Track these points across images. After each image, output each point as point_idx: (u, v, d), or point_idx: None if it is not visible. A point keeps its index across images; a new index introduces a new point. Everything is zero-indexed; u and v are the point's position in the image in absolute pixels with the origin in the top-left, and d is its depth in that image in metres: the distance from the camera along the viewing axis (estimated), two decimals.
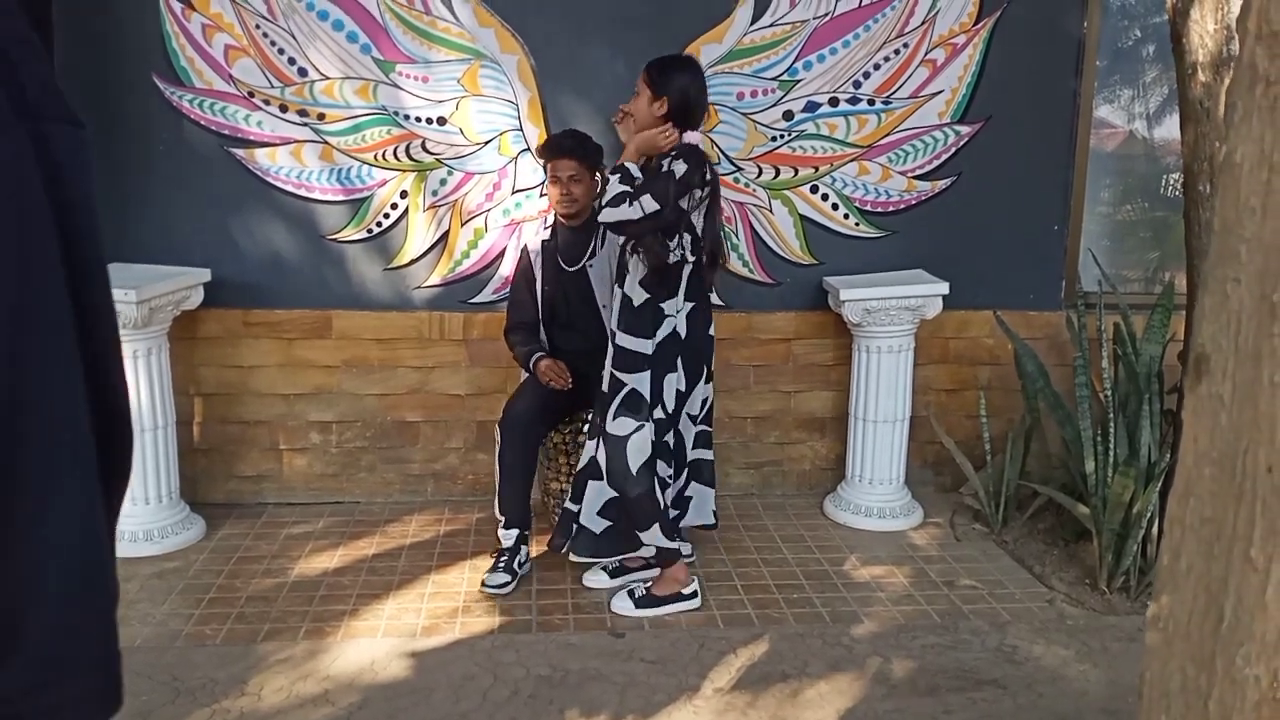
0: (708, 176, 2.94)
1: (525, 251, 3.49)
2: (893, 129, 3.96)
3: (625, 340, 2.99)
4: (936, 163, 4.01)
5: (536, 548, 3.39)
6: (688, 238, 2.94)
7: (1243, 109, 0.69)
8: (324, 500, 3.87)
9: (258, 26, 3.66)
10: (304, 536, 3.57)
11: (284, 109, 3.71)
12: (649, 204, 2.84)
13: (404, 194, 3.79)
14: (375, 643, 2.86)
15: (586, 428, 3.28)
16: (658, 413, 3.01)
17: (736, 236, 3.95)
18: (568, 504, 3.15)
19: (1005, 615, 3.07)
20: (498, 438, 3.31)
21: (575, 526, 3.10)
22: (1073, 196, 4.07)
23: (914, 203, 4.02)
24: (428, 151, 3.77)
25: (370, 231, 3.80)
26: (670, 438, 3.08)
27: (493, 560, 3.27)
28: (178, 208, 3.67)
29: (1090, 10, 3.97)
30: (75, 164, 0.83)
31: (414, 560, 3.40)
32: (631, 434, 2.98)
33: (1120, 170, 4.40)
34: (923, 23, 3.92)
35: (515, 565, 3.23)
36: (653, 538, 3.04)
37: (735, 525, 3.73)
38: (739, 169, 3.92)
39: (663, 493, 3.08)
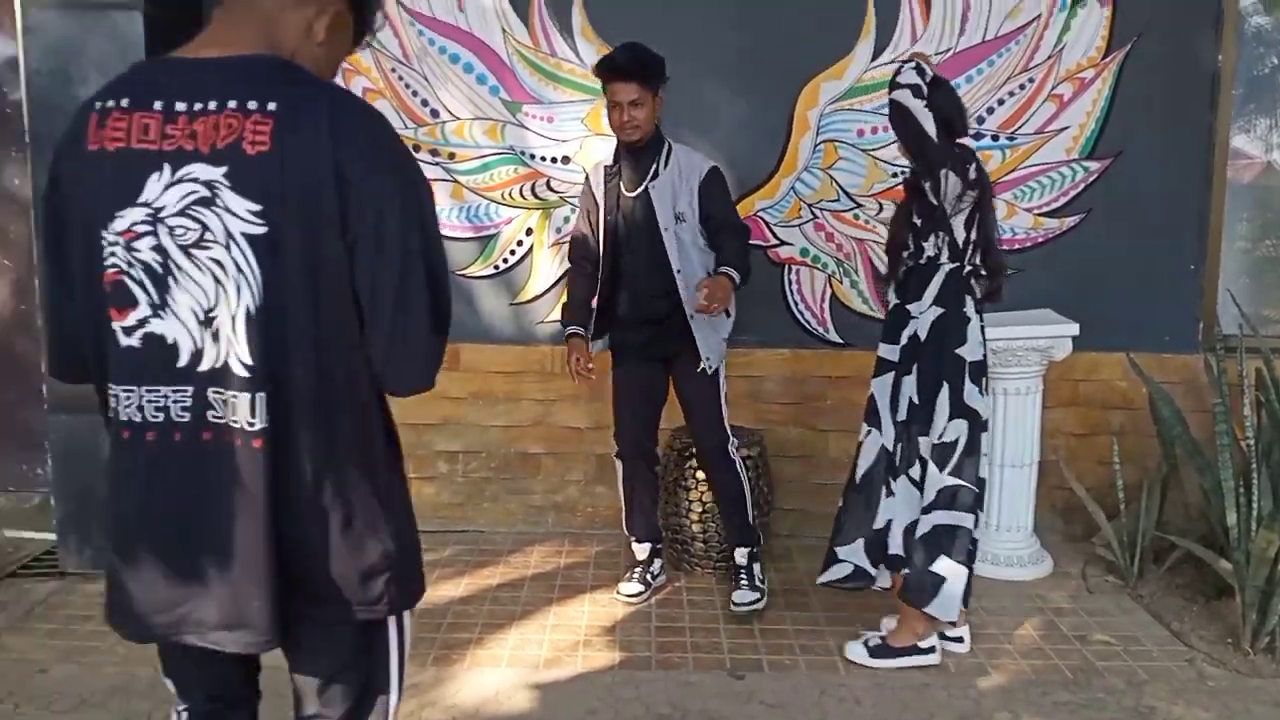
0: (972, 177, 2.79)
1: (586, 180, 3.34)
2: (1018, 165, 3.90)
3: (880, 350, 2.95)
4: (1064, 199, 3.92)
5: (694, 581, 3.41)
6: (944, 238, 2.82)
7: None
8: (450, 529, 3.99)
9: (393, 70, 3.83)
10: (431, 564, 3.67)
11: (416, 149, 3.85)
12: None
13: (529, 231, 3.90)
14: (499, 672, 2.92)
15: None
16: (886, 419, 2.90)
17: (856, 273, 3.93)
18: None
19: (1142, 674, 2.96)
20: (618, 468, 3.40)
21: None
22: (1209, 233, 3.93)
23: (1041, 240, 3.94)
24: (552, 190, 3.87)
25: (497, 268, 3.91)
26: (899, 454, 2.88)
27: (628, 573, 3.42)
28: None
29: (1225, 40, 3.85)
30: (432, 201, 1.40)
31: (536, 591, 3.47)
32: (862, 440, 2.96)
33: (1259, 203, 4.24)
34: (1049, 57, 3.85)
35: (648, 576, 3.34)
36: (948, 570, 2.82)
37: None
38: (859, 205, 3.91)
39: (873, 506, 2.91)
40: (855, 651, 3.00)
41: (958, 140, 2.84)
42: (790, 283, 3.96)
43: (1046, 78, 3.87)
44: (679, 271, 3.15)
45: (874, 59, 3.84)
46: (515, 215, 3.88)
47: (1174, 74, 3.85)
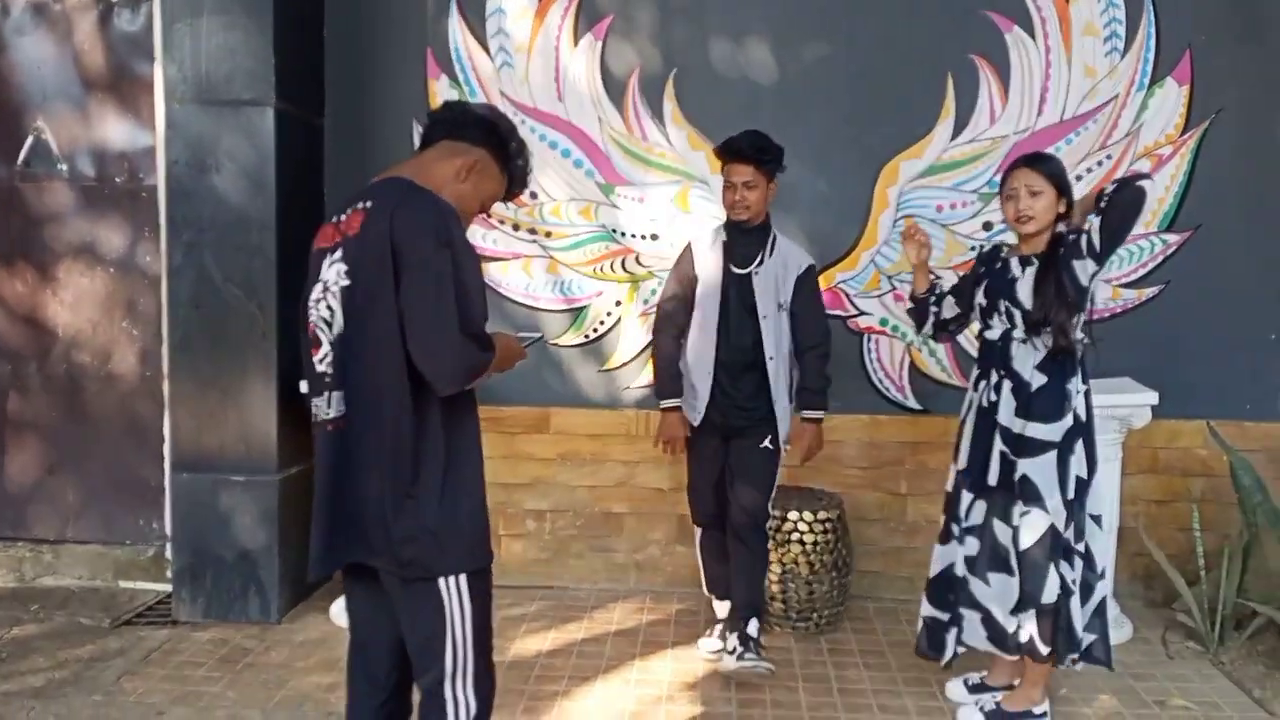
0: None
1: (689, 249, 3.40)
2: None
3: (1029, 429, 2.85)
4: (1143, 271, 3.99)
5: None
6: (1081, 317, 2.85)
7: None
8: (537, 584, 4.17)
9: None
10: (519, 618, 3.85)
11: (516, 228, 4.13)
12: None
13: (618, 303, 4.12)
14: None
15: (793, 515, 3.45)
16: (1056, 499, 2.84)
17: (936, 340, 4.04)
18: (934, 612, 3.07)
19: None
20: (696, 533, 3.55)
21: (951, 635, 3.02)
22: None
23: (1120, 311, 4.00)
24: (640, 264, 4.10)
25: (587, 337, 4.14)
26: (1070, 532, 2.87)
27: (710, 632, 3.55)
28: None
29: None
30: (478, 271, 1.96)
31: (619, 647, 3.61)
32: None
33: None
34: (1126, 135, 3.96)
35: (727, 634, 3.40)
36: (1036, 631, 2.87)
37: None
38: (939, 278, 4.01)
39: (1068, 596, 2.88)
40: (969, 717, 3.02)
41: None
42: (869, 351, 4.10)
43: (1125, 154, 3.97)
44: (771, 359, 3.27)
45: (953, 138, 4.00)
46: (606, 288, 4.12)
47: (1253, 148, 3.92)
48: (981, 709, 3.02)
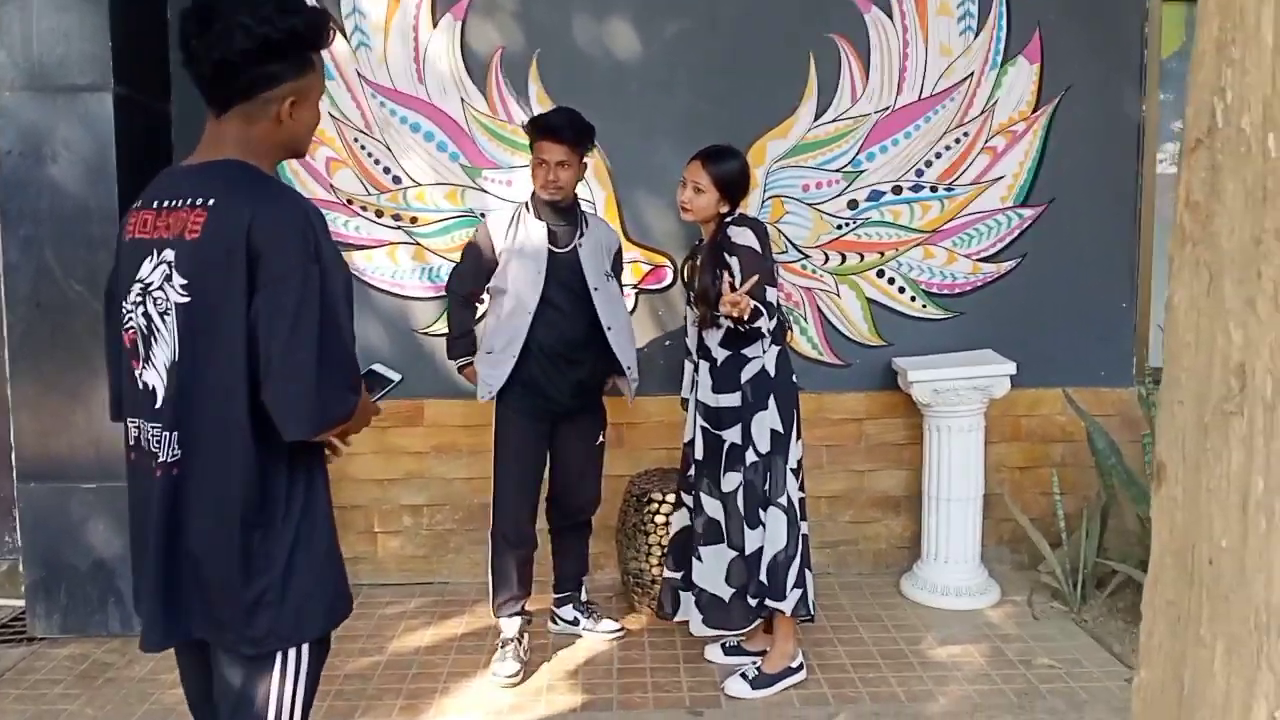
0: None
1: (485, 231, 3.30)
2: (956, 214, 4.09)
3: (717, 399, 3.11)
4: (1001, 245, 4.11)
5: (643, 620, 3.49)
6: (774, 291, 3.03)
7: (1178, 262, 0.82)
8: (415, 581, 4.07)
9: (356, 139, 3.99)
10: (397, 616, 3.76)
11: (379, 214, 4.01)
12: (770, 292, 2.99)
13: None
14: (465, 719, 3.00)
15: (671, 498, 3.45)
16: (750, 455, 3.07)
17: (805, 320, 4.09)
18: (667, 573, 3.29)
19: (1083, 695, 3.07)
20: (489, 545, 3.39)
21: (696, 595, 3.15)
22: (1139, 273, 4.13)
23: (980, 284, 4.12)
24: None
25: None
26: (768, 485, 3.07)
27: (499, 650, 3.34)
28: None
29: (1149, 89, 4.07)
30: (347, 290, 1.66)
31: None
32: (735, 489, 3.09)
33: None
34: (982, 112, 4.07)
35: (522, 653, 3.33)
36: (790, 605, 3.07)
37: None
38: (806, 256, 4.08)
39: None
40: (736, 687, 3.12)
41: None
42: None
43: (980, 131, 4.08)
44: (610, 328, 3.25)
45: (817, 118, 4.04)
46: None
47: (1101, 124, 4.07)
48: (745, 676, 3.14)
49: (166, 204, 1.61)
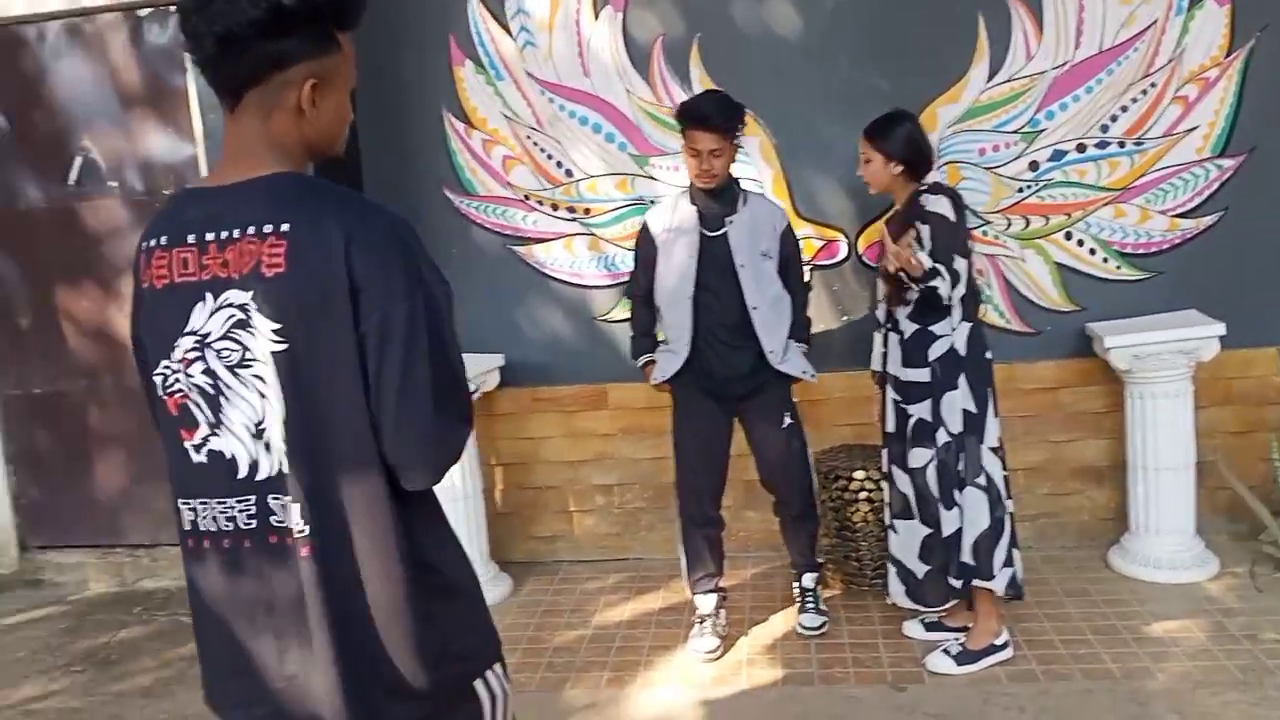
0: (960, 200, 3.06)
1: (646, 231, 3.40)
2: (1148, 169, 3.89)
3: (906, 373, 3.09)
4: (1200, 199, 3.88)
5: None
6: (964, 262, 2.99)
7: None
8: (610, 557, 4.21)
9: (528, 136, 4.12)
10: (597, 591, 3.90)
11: (555, 207, 4.13)
12: (960, 261, 2.97)
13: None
14: (670, 691, 3.09)
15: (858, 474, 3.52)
16: (941, 435, 3.04)
17: (990, 288, 3.98)
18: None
19: None
20: (678, 525, 3.52)
21: (895, 567, 3.19)
22: None
23: (1179, 242, 3.90)
24: None
25: None
26: (963, 465, 3.03)
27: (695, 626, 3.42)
28: (472, 302, 4.13)
29: None
30: (449, 306, 1.39)
31: None
32: (923, 465, 3.07)
33: None
34: (1169, 61, 3.85)
35: (720, 629, 3.39)
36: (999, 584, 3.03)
37: None
38: (987, 222, 3.97)
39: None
40: (940, 663, 3.08)
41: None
42: None
43: (1169, 81, 3.86)
44: (755, 308, 3.24)
45: (990, 79, 3.91)
46: None
47: None
48: (948, 652, 3.08)
49: (212, 236, 1.31)
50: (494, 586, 3.88)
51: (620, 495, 4.20)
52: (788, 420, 3.39)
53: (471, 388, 3.84)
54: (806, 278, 3.57)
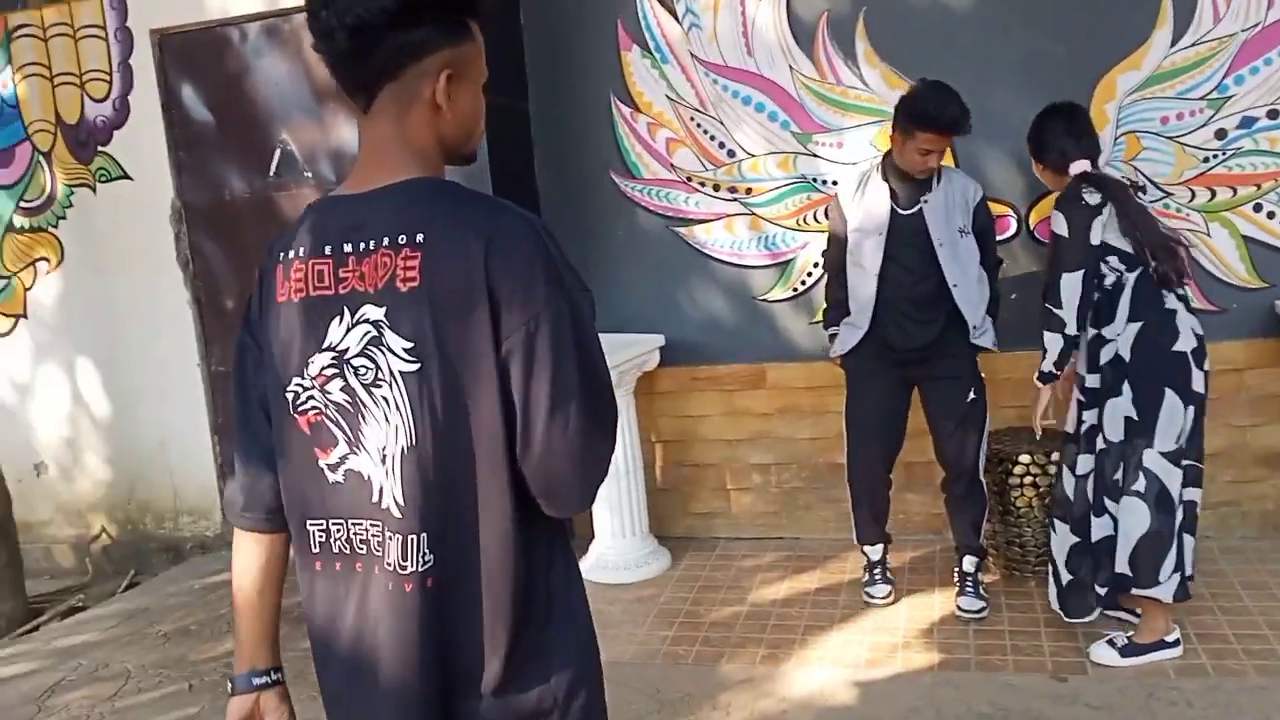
0: (1090, 201, 2.93)
1: (836, 204, 3.49)
2: None
3: (1085, 378, 3.05)
4: None
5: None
6: (1113, 259, 2.94)
7: None
8: (768, 535, 4.28)
9: (692, 118, 4.19)
10: (754, 569, 3.99)
11: (716, 188, 4.19)
12: (1068, 280, 2.93)
13: (824, 253, 4.10)
14: (824, 670, 3.16)
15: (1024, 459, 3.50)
16: (1099, 442, 3.00)
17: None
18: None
19: None
20: (847, 464, 3.61)
21: (1051, 565, 3.17)
22: None
23: None
24: None
25: (795, 290, 4.16)
26: (1121, 473, 2.95)
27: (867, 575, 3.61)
28: (635, 283, 4.27)
29: None
30: (593, 314, 1.31)
31: (852, 595, 3.67)
32: (1088, 474, 3.03)
33: None
34: None
35: (888, 575, 3.56)
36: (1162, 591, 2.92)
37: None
38: (1168, 194, 3.78)
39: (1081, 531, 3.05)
40: (1104, 654, 3.01)
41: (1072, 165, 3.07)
42: None
43: None
44: (955, 285, 3.28)
45: (1174, 44, 3.70)
46: (810, 240, 4.11)
47: None
48: (1113, 643, 3.00)
49: (349, 247, 1.26)
50: (653, 560, 4.03)
51: (777, 475, 4.27)
52: (972, 394, 3.40)
53: (632, 367, 3.99)
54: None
